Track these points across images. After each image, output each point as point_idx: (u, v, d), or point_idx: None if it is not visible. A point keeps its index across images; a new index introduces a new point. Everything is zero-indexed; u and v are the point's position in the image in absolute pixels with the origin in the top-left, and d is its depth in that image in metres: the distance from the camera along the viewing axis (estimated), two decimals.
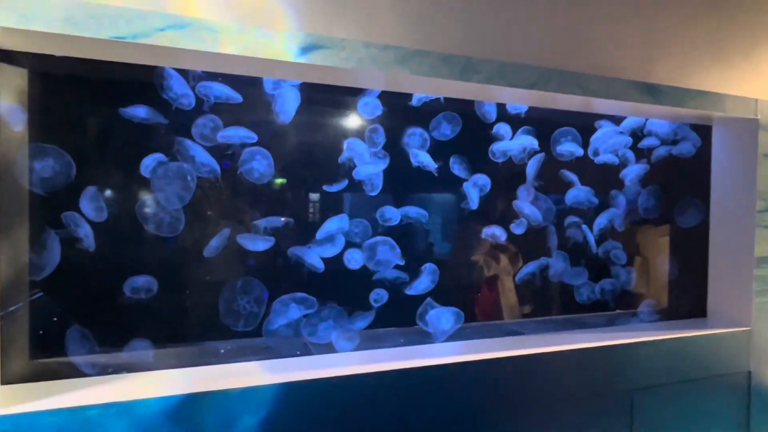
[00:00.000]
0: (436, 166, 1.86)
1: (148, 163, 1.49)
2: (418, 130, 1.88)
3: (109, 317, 1.57)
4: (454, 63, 1.63)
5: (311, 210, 1.78)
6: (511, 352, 1.72)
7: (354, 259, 1.75)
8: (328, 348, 1.69)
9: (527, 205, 1.98)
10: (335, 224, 1.75)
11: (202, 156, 1.57)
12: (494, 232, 2.00)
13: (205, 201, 1.64)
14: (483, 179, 1.97)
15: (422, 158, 1.85)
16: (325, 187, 1.74)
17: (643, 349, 1.90)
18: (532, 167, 2.01)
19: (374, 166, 1.79)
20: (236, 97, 1.61)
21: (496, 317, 2.10)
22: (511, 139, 1.99)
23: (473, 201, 1.97)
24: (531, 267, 2.04)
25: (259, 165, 1.61)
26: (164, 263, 1.61)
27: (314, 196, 1.81)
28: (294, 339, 1.66)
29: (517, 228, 1.98)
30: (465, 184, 1.95)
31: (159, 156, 1.51)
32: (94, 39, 1.25)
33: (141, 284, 1.50)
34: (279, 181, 1.79)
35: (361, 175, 1.80)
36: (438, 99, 1.83)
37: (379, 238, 1.79)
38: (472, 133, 1.94)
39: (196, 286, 1.68)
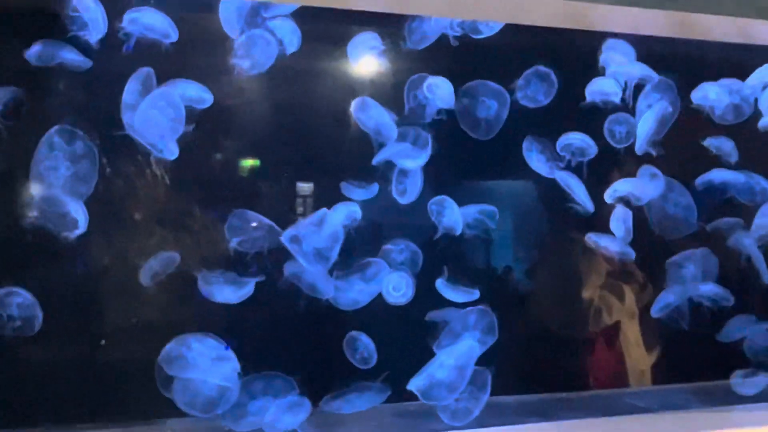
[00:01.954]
0: (447, 107, 1.24)
1: None
2: (492, 88, 1.26)
3: None
4: None
5: (301, 209, 1.27)
6: None
7: (394, 287, 1.20)
8: None
9: (634, 185, 1.30)
10: (340, 216, 1.18)
11: (150, 131, 1.09)
12: (610, 247, 1.31)
13: (134, 197, 1.16)
14: (577, 141, 1.29)
15: (439, 93, 1.24)
16: (344, 188, 1.21)
17: None
18: (647, 124, 1.31)
19: (405, 153, 1.23)
20: (173, 34, 1.12)
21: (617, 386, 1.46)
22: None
23: (584, 198, 1.30)
24: (670, 298, 1.33)
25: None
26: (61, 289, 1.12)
27: (305, 188, 1.30)
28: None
29: (618, 227, 1.30)
30: (556, 172, 1.30)
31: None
32: None
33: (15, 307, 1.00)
34: (248, 163, 1.29)
35: (380, 161, 1.21)
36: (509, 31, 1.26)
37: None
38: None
39: (117, 331, 1.18)
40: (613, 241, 1.30)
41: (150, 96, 1.04)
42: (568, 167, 1.30)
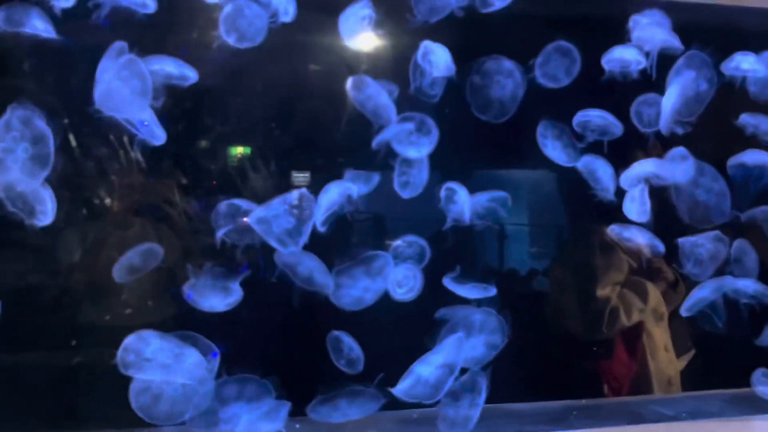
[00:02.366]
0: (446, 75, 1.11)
1: None
2: (506, 66, 1.13)
3: None
4: None
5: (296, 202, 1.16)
6: None
7: (400, 282, 1.08)
8: None
9: (657, 165, 1.16)
10: (333, 195, 1.05)
11: (113, 106, 0.91)
12: (637, 239, 1.16)
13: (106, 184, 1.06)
14: (596, 118, 1.15)
15: (436, 61, 1.10)
16: (347, 177, 1.08)
17: None
18: (671, 98, 1.15)
19: (405, 138, 1.09)
20: (150, 3, 1.00)
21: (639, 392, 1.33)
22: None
23: (608, 185, 1.16)
24: (705, 291, 1.18)
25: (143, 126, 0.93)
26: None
27: (301, 178, 1.19)
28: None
29: (632, 208, 1.15)
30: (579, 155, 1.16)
31: None
32: None
33: None
34: (237, 151, 1.19)
35: (380, 145, 1.08)
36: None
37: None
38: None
39: (88, 333, 1.08)
40: (640, 232, 1.17)
41: (112, 66, 0.92)
42: (586, 149, 1.17)
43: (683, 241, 1.20)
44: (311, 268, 1.03)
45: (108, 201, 1.06)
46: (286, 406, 0.97)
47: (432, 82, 1.12)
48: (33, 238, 0.95)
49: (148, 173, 1.06)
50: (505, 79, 1.17)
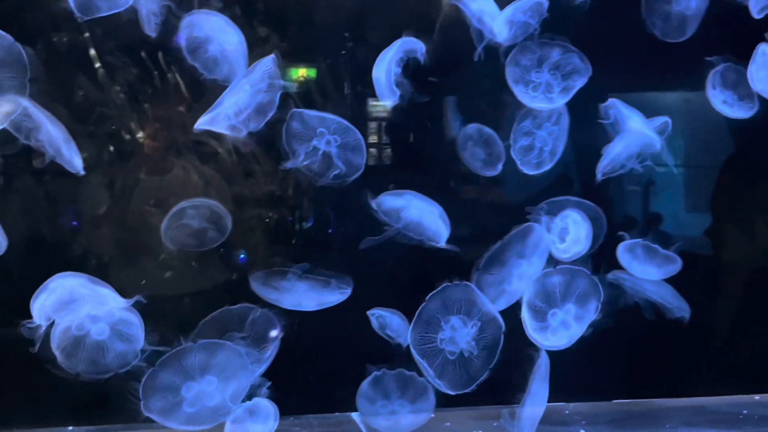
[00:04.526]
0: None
1: None
2: None
3: None
4: None
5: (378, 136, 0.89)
6: None
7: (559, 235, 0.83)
8: None
9: None
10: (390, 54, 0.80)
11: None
12: None
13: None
14: None
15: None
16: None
17: None
18: None
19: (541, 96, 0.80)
20: None
21: None
22: None
23: None
24: None
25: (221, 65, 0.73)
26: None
27: (379, 108, 0.93)
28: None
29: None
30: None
31: None
32: None
33: None
34: (299, 74, 0.93)
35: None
36: None
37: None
38: None
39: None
40: None
41: None
42: None
43: None
44: (422, 210, 0.79)
45: (140, 138, 0.86)
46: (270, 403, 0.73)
47: None
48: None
49: (190, 103, 0.85)
50: None
